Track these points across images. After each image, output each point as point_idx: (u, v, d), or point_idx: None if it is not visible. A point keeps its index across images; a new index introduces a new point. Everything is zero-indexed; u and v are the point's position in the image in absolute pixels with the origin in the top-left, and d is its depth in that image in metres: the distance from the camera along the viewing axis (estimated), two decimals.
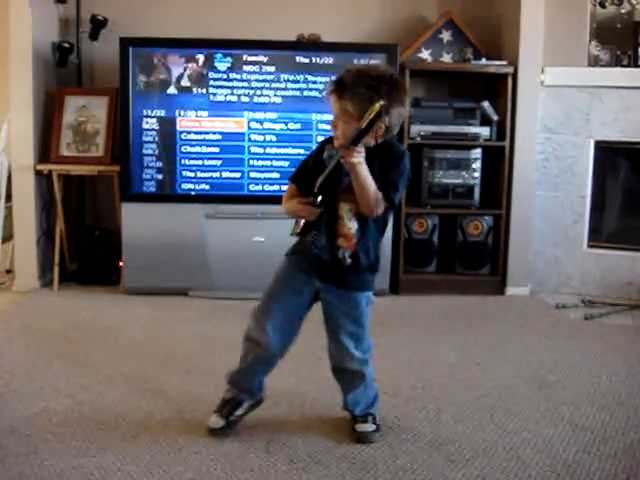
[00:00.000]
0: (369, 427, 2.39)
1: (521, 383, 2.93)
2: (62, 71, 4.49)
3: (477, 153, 4.36)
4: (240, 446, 2.30)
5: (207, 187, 4.11)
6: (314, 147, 2.42)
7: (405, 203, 4.32)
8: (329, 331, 2.39)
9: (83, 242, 4.43)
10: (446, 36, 4.46)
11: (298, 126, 4.11)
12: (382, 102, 2.06)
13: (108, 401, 2.65)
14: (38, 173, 4.23)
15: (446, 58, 4.46)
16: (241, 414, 2.44)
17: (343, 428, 2.44)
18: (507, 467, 2.21)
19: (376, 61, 4.08)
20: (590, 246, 4.50)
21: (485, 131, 4.33)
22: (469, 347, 3.40)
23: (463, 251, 4.45)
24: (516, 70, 4.28)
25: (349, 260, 2.29)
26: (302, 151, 4.01)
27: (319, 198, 2.22)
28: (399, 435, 2.41)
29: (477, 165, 4.36)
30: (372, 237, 2.31)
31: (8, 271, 4.51)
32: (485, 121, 4.35)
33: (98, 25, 4.42)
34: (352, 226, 2.27)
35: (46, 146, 4.30)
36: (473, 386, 2.89)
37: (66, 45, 4.38)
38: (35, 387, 2.76)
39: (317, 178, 2.21)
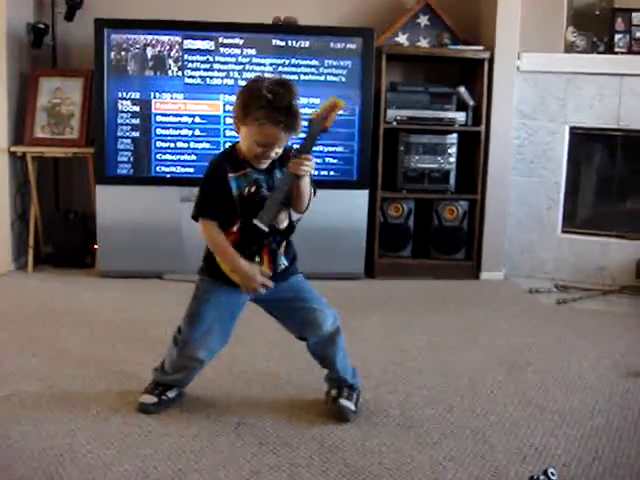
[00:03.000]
0: (352, 406, 2.41)
1: (491, 367, 2.96)
2: (37, 52, 4.44)
3: (453, 138, 4.37)
4: (210, 428, 2.32)
5: (182, 170, 4.10)
6: (211, 175, 2.28)
7: (381, 187, 4.33)
8: (288, 316, 2.42)
9: (57, 225, 4.40)
10: (423, 21, 4.45)
11: None
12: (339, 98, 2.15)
13: (79, 384, 2.65)
14: (12, 155, 4.20)
15: (423, 43, 4.46)
16: (173, 396, 2.48)
17: (314, 410, 2.46)
18: (474, 449, 2.23)
19: (352, 45, 4.09)
20: (564, 231, 4.54)
21: (461, 116, 4.34)
22: (442, 331, 3.43)
23: (438, 236, 4.47)
24: (492, 55, 4.29)
25: (286, 264, 2.35)
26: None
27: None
28: (368, 417, 2.43)
29: (453, 150, 4.37)
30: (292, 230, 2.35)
31: None
32: (461, 106, 4.36)
33: (73, 6, 4.37)
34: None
35: (20, 128, 4.27)
36: (444, 369, 2.92)
37: (41, 26, 4.34)
38: (6, 370, 2.75)
39: (232, 208, 2.22)
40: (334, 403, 2.41)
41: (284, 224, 2.28)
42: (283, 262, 2.33)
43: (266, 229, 2.20)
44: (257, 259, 2.25)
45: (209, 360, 2.42)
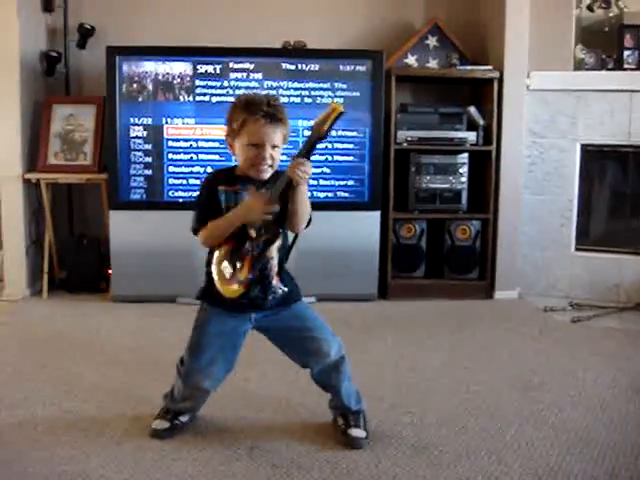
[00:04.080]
0: (362, 433, 2.38)
1: (506, 386, 2.94)
2: (50, 80, 4.50)
3: (464, 158, 4.38)
4: (223, 452, 2.31)
5: (195, 194, 4.11)
6: (203, 187, 2.32)
7: (393, 208, 4.34)
8: (291, 345, 2.39)
9: (71, 250, 4.44)
10: (432, 42, 4.48)
11: None
12: (338, 102, 2.13)
13: (93, 409, 2.65)
14: (26, 182, 4.24)
15: (432, 64, 4.48)
16: (186, 420, 2.48)
17: (326, 433, 2.45)
18: (489, 470, 2.21)
19: (361, 67, 4.11)
20: (578, 249, 4.52)
21: (472, 136, 4.35)
22: (456, 351, 3.41)
23: (451, 256, 4.46)
24: (502, 75, 4.30)
25: (285, 289, 2.31)
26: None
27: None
28: (382, 439, 2.41)
29: (464, 170, 4.38)
30: (283, 253, 2.31)
31: None
32: (471, 126, 4.37)
33: (86, 34, 4.44)
34: (276, 259, 2.28)
35: (34, 155, 4.31)
36: (458, 390, 2.90)
37: (54, 54, 4.40)
38: (21, 396, 2.76)
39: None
40: (344, 435, 2.38)
41: (276, 244, 2.25)
42: (280, 288, 2.30)
43: (253, 234, 2.20)
44: (238, 264, 2.22)
45: (214, 388, 2.41)
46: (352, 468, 2.21)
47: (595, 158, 4.51)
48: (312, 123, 2.16)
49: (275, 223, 2.23)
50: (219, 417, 2.57)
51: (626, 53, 4.36)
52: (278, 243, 2.25)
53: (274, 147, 2.20)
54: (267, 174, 2.23)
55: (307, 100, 4.13)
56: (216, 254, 2.24)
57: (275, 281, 2.29)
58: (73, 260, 4.44)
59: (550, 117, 4.42)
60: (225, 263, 2.22)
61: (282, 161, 2.28)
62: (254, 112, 2.15)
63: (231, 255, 2.22)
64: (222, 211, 2.23)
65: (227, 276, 2.22)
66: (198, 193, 2.33)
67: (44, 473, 2.15)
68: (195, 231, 2.30)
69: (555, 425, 2.56)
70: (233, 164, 2.35)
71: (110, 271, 4.24)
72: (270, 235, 2.23)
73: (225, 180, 2.27)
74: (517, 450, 2.36)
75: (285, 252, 2.32)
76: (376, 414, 2.58)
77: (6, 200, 4.25)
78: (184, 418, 2.47)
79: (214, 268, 2.24)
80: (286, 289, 2.31)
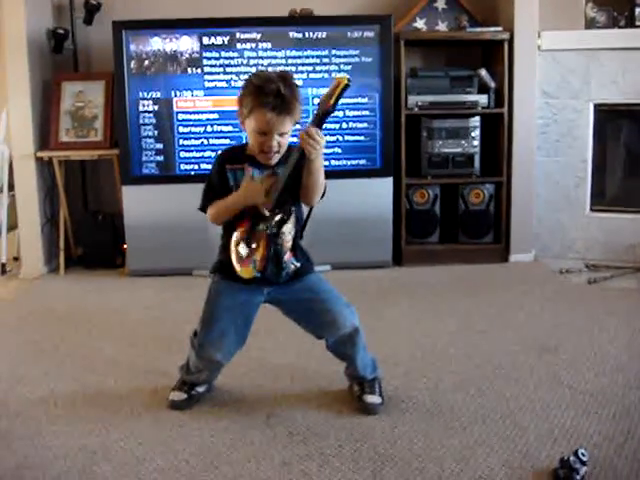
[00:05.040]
0: (377, 399, 2.40)
1: (521, 349, 2.95)
2: (58, 58, 4.49)
3: (476, 121, 4.34)
4: (241, 421, 2.34)
5: (206, 167, 4.12)
6: (212, 167, 2.33)
7: (405, 174, 4.32)
8: (305, 317, 2.39)
9: (87, 227, 4.46)
10: (440, 4, 4.42)
11: None
12: (344, 75, 2.08)
13: (111, 383, 2.69)
14: (39, 160, 4.27)
15: (441, 27, 4.43)
16: (203, 390, 2.51)
17: (343, 399, 2.47)
18: (505, 433, 2.23)
19: (370, 33, 4.07)
20: (593, 210, 4.49)
21: (483, 99, 4.30)
22: (471, 316, 3.42)
23: (465, 220, 4.44)
24: (512, 36, 4.25)
25: (298, 264, 2.30)
26: (299, 127, 4.00)
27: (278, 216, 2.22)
28: (398, 405, 2.43)
29: (476, 133, 4.34)
30: (298, 228, 2.30)
31: (15, 258, 4.55)
32: (483, 89, 4.32)
33: (92, 10, 4.42)
34: (291, 234, 2.27)
35: (45, 133, 4.32)
36: (473, 354, 2.91)
37: (61, 31, 4.38)
38: (40, 372, 2.80)
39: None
40: (359, 401, 2.41)
41: (290, 221, 2.24)
42: (293, 263, 2.29)
43: (266, 213, 2.19)
44: (253, 245, 2.23)
45: (227, 361, 2.42)
46: (368, 433, 2.23)
47: (608, 118, 4.45)
48: (319, 99, 2.12)
49: (288, 199, 2.22)
50: (236, 387, 2.60)
51: (638, 10, 4.26)
52: (292, 219, 2.25)
53: (282, 134, 2.18)
54: (274, 160, 2.22)
55: (317, 68, 4.10)
56: (234, 237, 2.26)
57: (288, 256, 2.29)
58: (89, 236, 4.46)
59: (562, 77, 4.37)
60: (242, 245, 2.24)
61: (292, 135, 2.26)
62: (262, 103, 2.11)
63: (247, 236, 2.24)
64: (230, 190, 2.24)
65: (243, 256, 2.24)
66: (208, 174, 2.34)
67: (64, 447, 2.19)
68: (202, 209, 2.32)
69: (571, 386, 2.57)
70: (245, 142, 2.34)
71: (125, 246, 4.26)
72: (284, 214, 2.22)
73: (235, 159, 2.27)
74: (532, 412, 2.37)
75: (300, 227, 2.31)
76: (392, 380, 2.60)
77: (20, 179, 4.28)
78: (201, 389, 2.50)
79: (232, 249, 2.26)
80: (298, 264, 2.30)
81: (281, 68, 3.95)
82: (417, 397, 2.49)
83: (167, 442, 2.21)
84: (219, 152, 2.36)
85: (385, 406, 2.40)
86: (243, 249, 2.24)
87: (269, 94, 2.10)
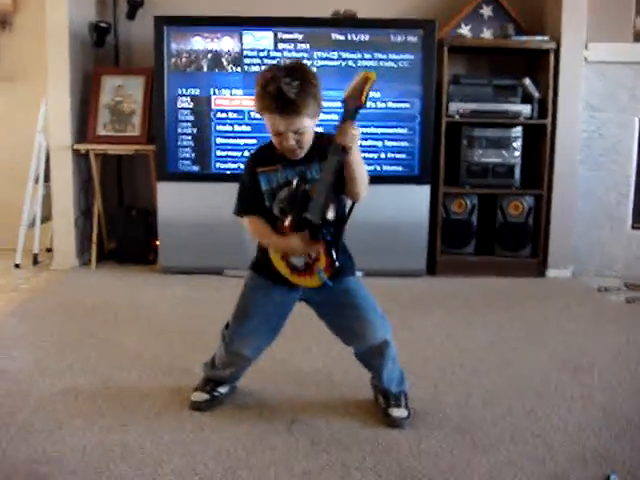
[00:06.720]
0: (403, 412, 2.32)
1: (555, 367, 2.86)
2: (99, 51, 4.51)
3: (518, 131, 4.25)
4: (262, 426, 2.29)
5: (242, 166, 4.08)
6: (244, 171, 2.28)
7: (443, 182, 4.25)
8: (337, 322, 2.33)
9: (120, 221, 4.46)
10: (486, 11, 4.34)
11: (333, 103, 4.03)
12: (371, 71, 2.03)
13: (134, 380, 2.66)
14: (76, 153, 4.26)
15: (486, 34, 4.34)
16: (225, 392, 2.46)
17: (368, 410, 2.41)
18: (534, 453, 2.14)
19: (413, 38, 4.01)
20: (634, 227, 4.38)
21: (526, 109, 4.21)
22: (505, 330, 3.33)
23: (503, 232, 4.35)
24: (559, 46, 4.15)
25: (337, 264, 2.20)
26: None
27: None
28: (425, 419, 2.36)
29: (518, 144, 4.25)
30: (341, 228, 2.22)
31: (49, 250, 4.56)
32: (526, 98, 4.24)
33: (135, 4, 4.43)
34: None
35: (83, 126, 4.33)
36: (505, 370, 2.82)
37: (103, 25, 4.40)
38: (64, 365, 2.78)
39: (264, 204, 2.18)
40: (385, 414, 2.33)
41: (331, 214, 2.14)
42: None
43: (318, 221, 2.09)
44: (313, 254, 2.18)
45: (256, 357, 2.39)
46: (393, 447, 2.17)
47: None
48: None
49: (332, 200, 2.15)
50: (259, 390, 2.55)
51: None
52: (332, 214, 2.16)
53: (298, 132, 2.10)
54: (302, 153, 2.16)
55: (357, 72, 4.03)
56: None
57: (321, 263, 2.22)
58: (122, 231, 4.46)
59: (608, 90, 4.26)
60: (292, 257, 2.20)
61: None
62: (268, 107, 2.05)
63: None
64: (262, 195, 2.20)
65: (300, 267, 2.20)
66: (240, 178, 2.29)
67: (82, 443, 2.15)
68: (237, 213, 2.28)
69: (605, 408, 2.47)
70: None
71: (158, 242, 4.25)
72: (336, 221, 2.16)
73: (265, 160, 2.21)
74: (564, 433, 2.28)
75: (342, 224, 2.23)
76: (420, 393, 2.53)
77: (56, 171, 4.28)
78: (223, 390, 2.45)
79: (276, 260, 2.24)
80: (337, 264, 2.21)
81: (321, 70, 3.95)
82: (445, 412, 2.42)
83: (186, 443, 2.17)
84: (248, 157, 2.30)
85: (411, 419, 2.32)
86: (297, 260, 2.18)
87: (271, 95, 2.03)
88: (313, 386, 2.62)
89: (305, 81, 2.06)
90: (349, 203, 2.23)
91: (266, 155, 2.22)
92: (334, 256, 2.17)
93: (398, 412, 2.32)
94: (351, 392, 2.55)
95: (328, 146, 2.07)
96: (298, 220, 2.13)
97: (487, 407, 2.47)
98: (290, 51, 4.03)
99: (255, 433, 2.24)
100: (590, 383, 2.71)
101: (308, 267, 2.19)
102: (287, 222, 2.17)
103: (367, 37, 4.04)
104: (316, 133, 2.18)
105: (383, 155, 4.12)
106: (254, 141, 4.06)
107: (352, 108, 2.02)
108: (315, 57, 4.04)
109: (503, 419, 2.38)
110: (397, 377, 2.39)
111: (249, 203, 2.24)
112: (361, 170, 2.12)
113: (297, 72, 2.08)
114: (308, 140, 2.14)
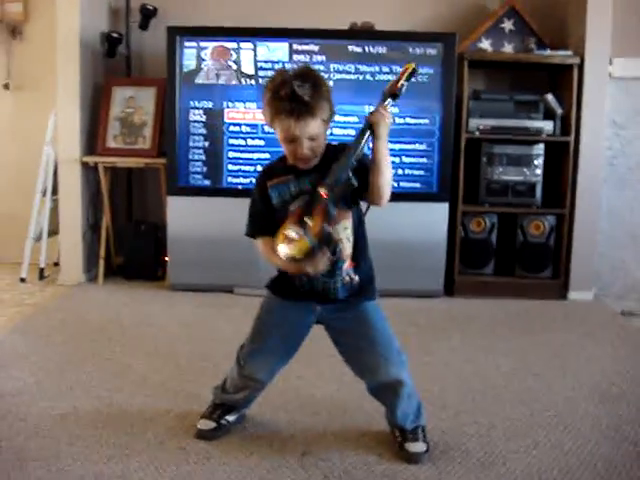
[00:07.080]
0: (421, 447, 2.18)
1: (581, 397, 2.71)
2: (111, 62, 4.42)
3: (539, 149, 4.12)
4: (272, 458, 2.15)
5: (254, 181, 3.96)
6: (254, 191, 2.18)
7: (462, 200, 4.12)
8: (349, 352, 2.21)
9: (129, 236, 4.35)
10: (508, 25, 4.22)
11: (349, 118, 3.93)
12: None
13: (138, 403, 2.53)
14: (84, 165, 4.17)
15: (507, 48, 4.22)
16: (233, 420, 2.34)
17: (384, 441, 2.26)
18: None
19: (432, 51, 3.90)
20: None
21: (548, 125, 4.09)
22: (526, 356, 3.18)
23: (523, 252, 4.21)
24: (582, 61, 4.03)
25: (356, 278, 2.12)
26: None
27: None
28: (445, 452, 2.21)
29: (539, 161, 4.12)
30: (364, 240, 2.15)
31: (55, 264, 4.46)
32: (548, 115, 4.11)
33: (148, 14, 4.34)
34: (350, 241, 2.09)
35: (93, 138, 4.24)
36: (529, 399, 2.67)
37: (115, 35, 4.31)
38: (65, 386, 2.66)
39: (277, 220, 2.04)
40: (401, 449, 2.19)
41: (351, 241, 2.07)
42: (349, 274, 2.12)
43: (324, 195, 1.96)
44: (308, 220, 1.99)
45: (269, 381, 2.27)
46: None
47: None
48: (388, 84, 2.04)
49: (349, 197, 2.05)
50: (269, 419, 2.42)
51: None
52: (350, 223, 2.07)
53: (311, 138, 2.00)
54: (314, 161, 2.06)
55: (374, 85, 3.93)
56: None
57: (347, 265, 2.11)
58: (130, 246, 4.35)
59: (634, 107, 4.15)
60: (291, 228, 1.99)
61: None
62: (279, 111, 1.96)
63: (299, 219, 2.01)
64: (274, 212, 2.08)
65: (295, 238, 1.97)
66: (251, 198, 2.19)
67: (80, 472, 2.03)
68: (249, 235, 2.19)
69: (636, 442, 2.32)
70: (283, 153, 2.16)
71: (167, 258, 4.13)
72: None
73: (276, 172, 2.12)
74: (593, 470, 2.13)
75: (360, 232, 2.13)
76: (439, 423, 2.40)
77: (64, 183, 4.18)
78: (231, 418, 2.32)
79: (279, 236, 2.02)
80: (356, 278, 2.12)
81: (338, 83, 3.84)
82: (466, 444, 2.27)
83: (190, 475, 2.04)
84: (258, 173, 2.21)
85: (430, 453, 2.18)
86: (293, 232, 1.98)
87: (284, 99, 1.95)
88: (326, 414, 2.48)
89: (317, 84, 2.00)
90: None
91: (277, 167, 2.14)
92: (340, 264, 2.08)
93: (415, 447, 2.17)
94: (366, 422, 2.41)
95: (340, 154, 1.99)
96: (311, 200, 2.00)
97: (511, 440, 2.32)
98: (306, 62, 3.91)
99: (264, 465, 2.11)
100: (619, 414, 2.56)
101: (300, 236, 1.98)
102: (294, 207, 2.05)
103: (385, 50, 3.93)
104: (327, 144, 2.09)
105: (401, 171, 3.99)
106: (267, 155, 3.95)
107: (387, 93, 2.01)
108: (331, 70, 3.93)
109: (528, 453, 2.23)
110: (413, 412, 2.23)
111: (260, 223, 2.14)
112: (387, 161, 2.01)
113: (307, 75, 2.01)
114: (321, 147, 2.05)
